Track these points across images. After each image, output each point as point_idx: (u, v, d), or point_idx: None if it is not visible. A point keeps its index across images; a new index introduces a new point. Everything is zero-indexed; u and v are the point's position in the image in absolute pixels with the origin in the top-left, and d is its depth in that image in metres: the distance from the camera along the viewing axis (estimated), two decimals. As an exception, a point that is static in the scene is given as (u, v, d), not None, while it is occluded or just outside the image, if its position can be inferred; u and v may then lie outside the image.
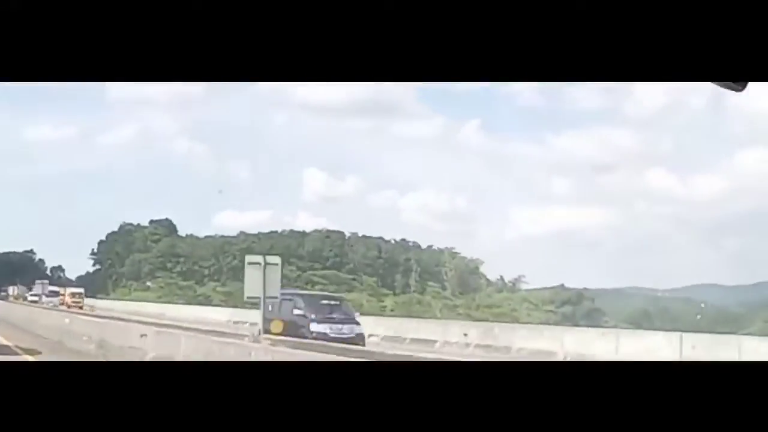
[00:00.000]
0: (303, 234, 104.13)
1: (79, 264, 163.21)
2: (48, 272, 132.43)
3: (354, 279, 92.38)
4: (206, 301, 75.85)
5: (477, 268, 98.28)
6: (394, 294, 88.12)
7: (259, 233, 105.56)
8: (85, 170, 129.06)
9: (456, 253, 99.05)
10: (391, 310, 73.76)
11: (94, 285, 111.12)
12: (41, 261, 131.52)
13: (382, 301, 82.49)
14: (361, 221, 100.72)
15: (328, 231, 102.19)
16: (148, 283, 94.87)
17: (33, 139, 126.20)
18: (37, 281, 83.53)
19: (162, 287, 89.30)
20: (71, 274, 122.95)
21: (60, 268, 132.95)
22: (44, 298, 64.40)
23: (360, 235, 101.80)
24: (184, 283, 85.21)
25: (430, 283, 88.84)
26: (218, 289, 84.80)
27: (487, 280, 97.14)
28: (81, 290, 67.95)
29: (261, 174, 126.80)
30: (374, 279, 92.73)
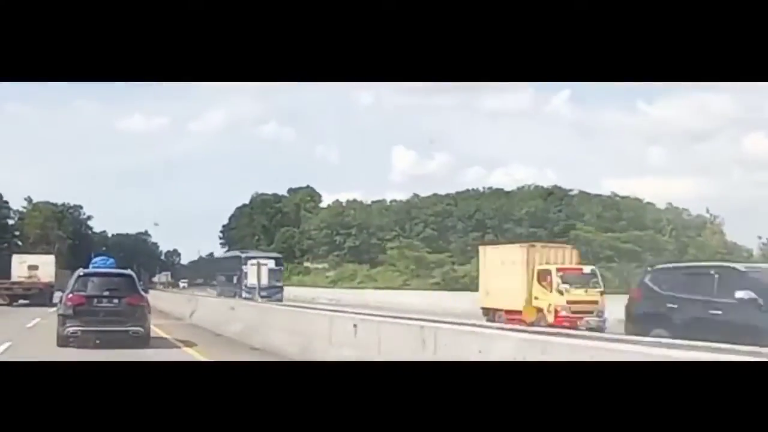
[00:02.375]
0: (506, 194, 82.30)
1: (191, 248, 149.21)
2: (162, 257, 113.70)
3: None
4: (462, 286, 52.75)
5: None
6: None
7: (449, 194, 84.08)
8: (181, 157, 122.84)
9: (680, 210, 77.32)
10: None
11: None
12: (155, 245, 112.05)
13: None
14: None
15: (549, 187, 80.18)
16: (365, 266, 73.20)
17: (126, 130, 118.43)
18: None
19: (397, 268, 66.85)
20: (186, 258, 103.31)
21: (175, 252, 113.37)
22: None
23: (586, 191, 79.68)
24: (432, 258, 61.92)
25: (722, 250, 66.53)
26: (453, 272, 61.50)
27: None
28: None
29: (349, 155, 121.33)
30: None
